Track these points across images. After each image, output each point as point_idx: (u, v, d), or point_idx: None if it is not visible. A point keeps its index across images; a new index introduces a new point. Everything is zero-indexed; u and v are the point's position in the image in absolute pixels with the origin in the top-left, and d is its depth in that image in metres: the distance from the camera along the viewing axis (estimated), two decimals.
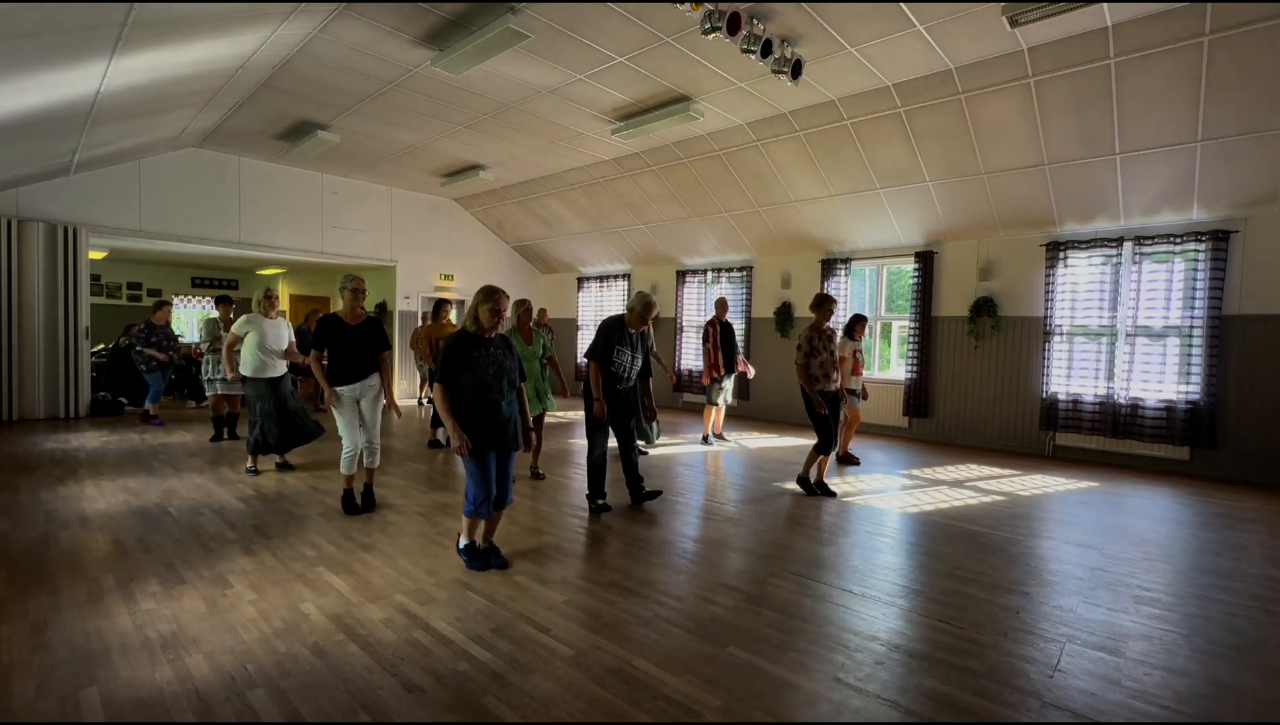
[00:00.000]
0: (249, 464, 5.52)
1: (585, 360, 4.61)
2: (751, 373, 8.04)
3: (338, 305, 4.74)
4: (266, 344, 5.37)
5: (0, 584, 3.12)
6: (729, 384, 7.54)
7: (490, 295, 3.31)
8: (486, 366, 3.30)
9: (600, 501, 4.59)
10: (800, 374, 5.10)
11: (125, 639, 2.59)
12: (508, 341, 3.48)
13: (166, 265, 13.48)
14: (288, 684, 2.29)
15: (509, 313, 3.59)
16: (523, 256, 13.59)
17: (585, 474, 4.69)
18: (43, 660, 2.42)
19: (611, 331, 4.50)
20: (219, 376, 6.76)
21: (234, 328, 5.33)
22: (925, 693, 2.35)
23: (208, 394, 6.99)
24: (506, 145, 8.77)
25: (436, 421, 6.87)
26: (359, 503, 4.48)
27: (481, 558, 3.49)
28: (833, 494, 5.23)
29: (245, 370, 5.38)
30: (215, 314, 7.18)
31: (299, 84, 6.67)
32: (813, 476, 5.35)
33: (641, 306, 4.57)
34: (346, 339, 4.24)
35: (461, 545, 3.53)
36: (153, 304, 8.33)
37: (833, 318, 5.25)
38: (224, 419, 7.05)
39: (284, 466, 5.63)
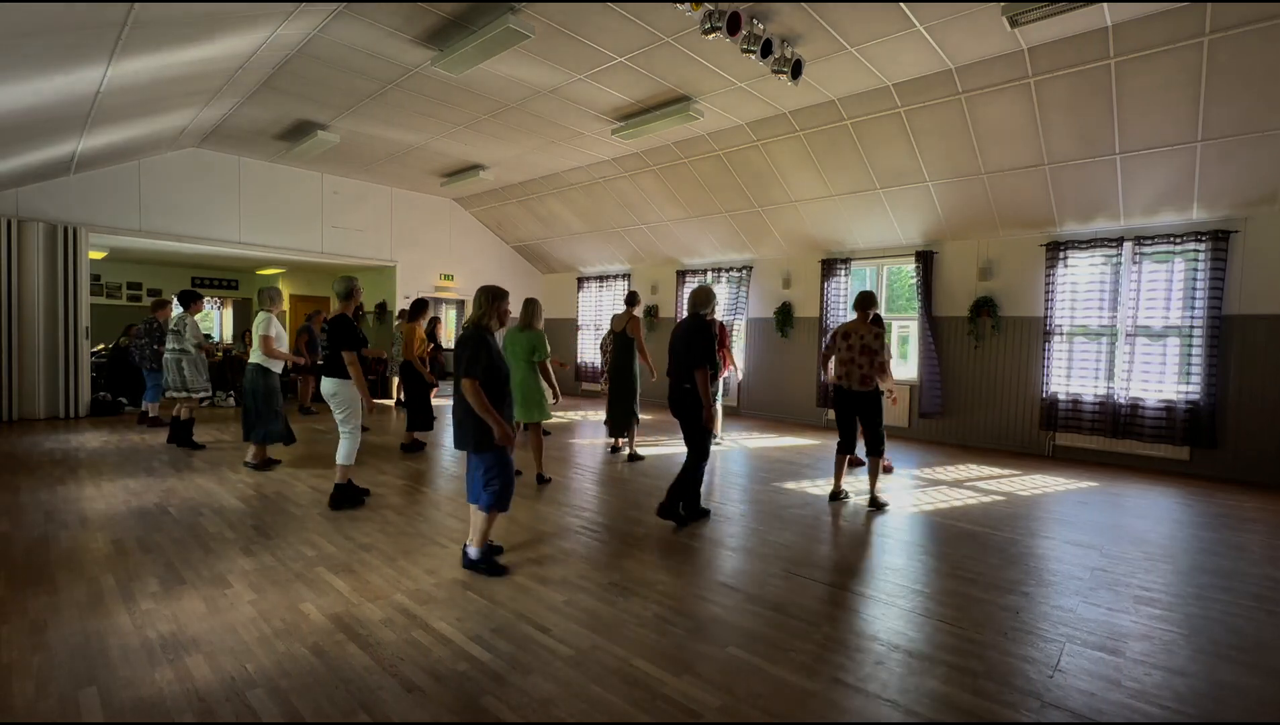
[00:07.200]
0: (256, 458, 5.70)
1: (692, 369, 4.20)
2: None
3: (337, 304, 4.68)
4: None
5: (0, 584, 3.12)
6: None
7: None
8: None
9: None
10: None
11: (125, 639, 2.59)
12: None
13: (166, 265, 13.48)
14: (287, 684, 2.29)
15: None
16: (523, 256, 13.59)
17: (584, 477, 4.57)
18: (43, 660, 2.42)
19: (708, 329, 4.24)
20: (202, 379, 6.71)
21: (270, 329, 5.47)
22: (925, 693, 2.35)
23: (191, 395, 6.62)
24: (506, 145, 8.77)
25: (414, 423, 6.71)
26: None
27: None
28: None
29: (274, 364, 5.66)
30: (184, 311, 6.73)
31: (299, 84, 6.67)
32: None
33: (707, 297, 4.34)
34: None
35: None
36: (152, 303, 7.97)
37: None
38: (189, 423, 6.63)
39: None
